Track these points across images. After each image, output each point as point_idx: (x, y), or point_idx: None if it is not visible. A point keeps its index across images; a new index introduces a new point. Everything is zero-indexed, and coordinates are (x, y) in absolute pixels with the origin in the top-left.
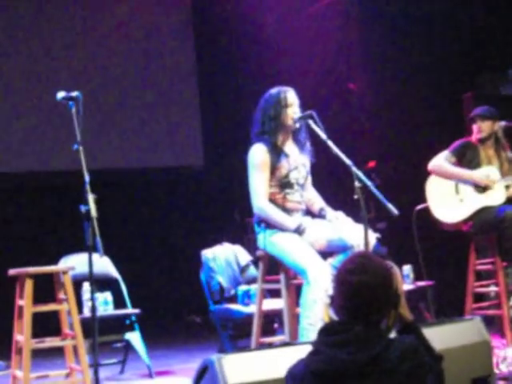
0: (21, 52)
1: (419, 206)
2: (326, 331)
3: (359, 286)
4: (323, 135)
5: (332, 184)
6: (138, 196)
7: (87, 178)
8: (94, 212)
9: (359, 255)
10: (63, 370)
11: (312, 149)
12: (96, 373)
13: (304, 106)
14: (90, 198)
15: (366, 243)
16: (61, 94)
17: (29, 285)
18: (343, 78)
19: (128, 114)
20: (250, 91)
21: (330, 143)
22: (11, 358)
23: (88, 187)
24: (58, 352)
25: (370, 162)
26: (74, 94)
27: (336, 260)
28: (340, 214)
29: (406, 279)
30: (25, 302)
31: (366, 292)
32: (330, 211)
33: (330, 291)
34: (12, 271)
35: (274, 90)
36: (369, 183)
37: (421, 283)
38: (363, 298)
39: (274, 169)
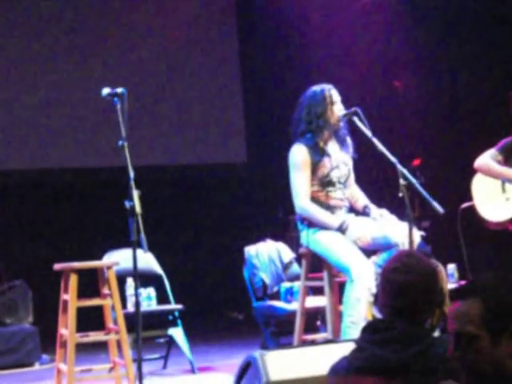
0: (66, 49)
1: (465, 205)
2: (370, 329)
3: (404, 285)
4: (368, 132)
5: (376, 181)
6: (181, 193)
7: (132, 174)
8: (138, 208)
9: (404, 254)
10: (107, 364)
11: (353, 145)
12: (139, 367)
13: (349, 103)
14: (135, 194)
15: (411, 241)
16: (106, 91)
17: (73, 279)
18: (388, 75)
19: (171, 110)
20: (294, 88)
21: (375, 140)
22: (55, 352)
23: (132, 183)
24: (102, 346)
25: (415, 159)
26: (119, 90)
27: (380, 258)
28: (384, 212)
29: (450, 278)
30: (69, 297)
31: (410, 291)
32: (374, 209)
33: (374, 290)
34: (57, 266)
35: (316, 88)
36: (414, 181)
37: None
38: (408, 297)
39: (315, 168)
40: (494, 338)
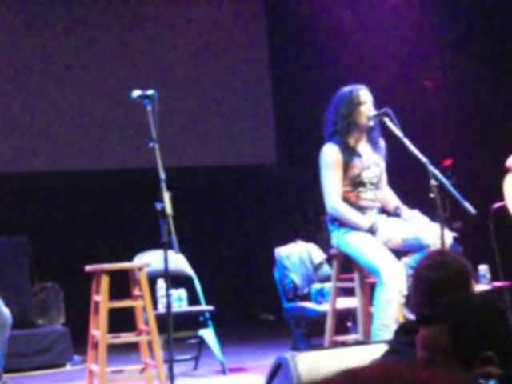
0: (98, 51)
1: (496, 205)
2: (404, 331)
3: (438, 281)
4: (399, 133)
5: (408, 182)
6: (211, 194)
7: (163, 175)
8: (169, 209)
9: (437, 253)
10: (138, 365)
11: (386, 147)
12: (171, 368)
13: (379, 103)
14: (166, 195)
15: (442, 242)
16: (136, 93)
17: (105, 281)
18: (419, 75)
19: (201, 111)
20: (325, 88)
21: (406, 141)
22: (87, 353)
23: (163, 185)
24: (133, 347)
25: (446, 159)
26: (150, 92)
27: (411, 259)
28: (416, 213)
29: (482, 279)
30: (101, 298)
31: (445, 288)
32: (405, 210)
33: (405, 292)
34: (88, 267)
35: (346, 89)
36: (445, 181)
37: (497, 284)
38: (442, 294)
39: (346, 168)
40: (464, 365)
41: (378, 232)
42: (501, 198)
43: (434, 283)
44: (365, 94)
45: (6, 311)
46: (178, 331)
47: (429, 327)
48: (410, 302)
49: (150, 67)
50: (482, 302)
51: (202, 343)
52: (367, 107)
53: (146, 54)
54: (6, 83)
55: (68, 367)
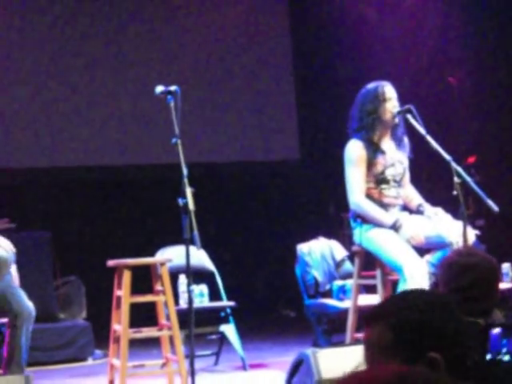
0: (122, 47)
1: None
2: None
3: (466, 264)
4: (422, 130)
5: (431, 180)
6: (233, 190)
7: (185, 171)
8: (191, 205)
9: (465, 247)
10: (159, 359)
11: (410, 144)
12: (191, 363)
13: (403, 100)
14: (188, 191)
15: (465, 240)
16: (159, 89)
17: (127, 276)
18: (443, 72)
19: (224, 107)
20: (348, 84)
21: (429, 138)
22: (108, 347)
23: (186, 180)
24: (154, 342)
25: (469, 157)
26: (173, 88)
27: (433, 257)
28: (439, 211)
29: (505, 277)
30: (123, 293)
31: (471, 272)
32: (428, 207)
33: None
34: (111, 262)
35: (371, 85)
36: (468, 179)
37: None
38: (469, 276)
39: (369, 165)
40: (408, 366)
41: (401, 229)
42: None
43: (462, 266)
44: (390, 91)
45: (30, 304)
46: (199, 327)
47: (372, 327)
48: None
49: (174, 63)
50: (429, 300)
51: (222, 339)
52: (392, 104)
53: (170, 50)
54: (30, 78)
55: (89, 361)
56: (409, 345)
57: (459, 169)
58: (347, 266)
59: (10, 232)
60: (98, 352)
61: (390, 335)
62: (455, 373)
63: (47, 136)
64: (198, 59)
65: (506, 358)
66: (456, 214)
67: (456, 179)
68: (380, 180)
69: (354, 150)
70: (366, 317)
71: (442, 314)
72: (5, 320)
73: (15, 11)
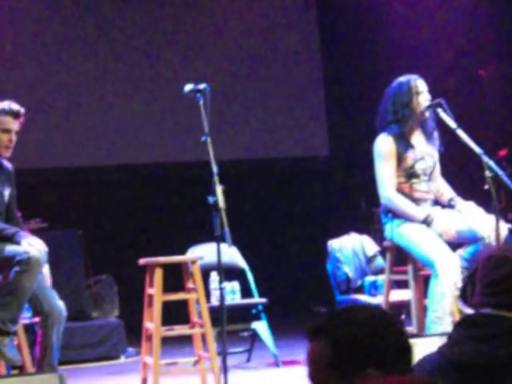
0: (151, 44)
1: None
2: (467, 323)
3: (502, 257)
4: (453, 124)
5: (462, 174)
6: (263, 186)
7: (215, 169)
8: (221, 203)
9: (502, 249)
10: (191, 357)
11: (440, 138)
12: (224, 360)
13: (432, 93)
14: (218, 189)
15: (498, 234)
16: (188, 87)
17: (159, 274)
18: (473, 65)
19: (253, 104)
20: (378, 78)
21: (460, 132)
22: (141, 345)
23: (216, 178)
24: (187, 340)
25: (501, 150)
26: (202, 86)
27: (466, 252)
28: (470, 205)
29: None
30: (155, 291)
31: (507, 264)
32: (459, 201)
33: (459, 284)
34: (142, 261)
35: (402, 78)
36: (500, 172)
37: None
38: (504, 268)
39: (399, 159)
40: (346, 382)
41: (432, 223)
42: None
43: (498, 258)
44: (422, 84)
45: (61, 304)
46: (231, 324)
47: (313, 342)
48: (476, 294)
49: (202, 59)
50: (369, 316)
51: (255, 336)
52: (425, 97)
53: (198, 47)
54: (63, 77)
55: (122, 359)
56: (346, 361)
57: (491, 162)
58: (379, 261)
59: (42, 231)
60: (130, 350)
61: (330, 351)
62: None
63: (78, 135)
64: (226, 56)
65: None
66: (488, 208)
67: (488, 173)
68: (410, 174)
69: (384, 145)
70: (308, 332)
71: (381, 330)
72: (37, 320)
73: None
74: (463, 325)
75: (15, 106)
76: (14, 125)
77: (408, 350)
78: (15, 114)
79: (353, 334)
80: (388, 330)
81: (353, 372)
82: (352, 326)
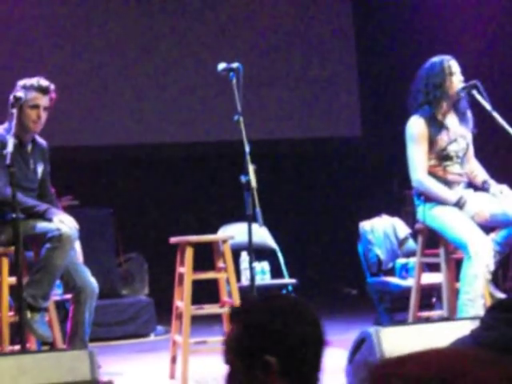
0: (184, 24)
1: None
2: (501, 307)
3: None
4: (488, 106)
5: (497, 157)
6: (296, 167)
7: (247, 148)
8: (253, 182)
9: None
10: (221, 336)
11: (473, 119)
12: None
13: (468, 75)
14: (251, 168)
15: None
16: (221, 66)
17: (189, 253)
18: (509, 47)
19: (286, 84)
20: (409, 60)
21: (495, 114)
22: (170, 323)
23: (248, 158)
24: (216, 319)
25: None
26: (235, 65)
27: (498, 235)
28: (504, 188)
29: None
30: (185, 270)
31: None
32: (493, 184)
33: (492, 267)
34: (173, 239)
35: (435, 59)
36: None
37: None
38: None
39: (432, 141)
40: (246, 368)
41: (465, 206)
42: None
43: None
44: (455, 65)
45: (93, 281)
46: None
47: (232, 323)
48: (501, 282)
49: (235, 39)
50: (282, 305)
51: None
52: (458, 78)
53: (231, 26)
54: (97, 57)
55: (152, 337)
56: (250, 345)
57: None
58: (410, 243)
59: (74, 209)
60: (160, 328)
61: (239, 334)
62: (290, 378)
63: (111, 115)
64: (259, 35)
65: None
66: None
67: None
68: (443, 156)
69: (416, 127)
70: (229, 313)
71: (288, 320)
72: (69, 296)
73: None
74: (497, 309)
75: (44, 82)
76: (43, 100)
77: (317, 343)
78: (44, 90)
79: (262, 319)
80: (300, 321)
81: (252, 355)
82: (264, 313)
